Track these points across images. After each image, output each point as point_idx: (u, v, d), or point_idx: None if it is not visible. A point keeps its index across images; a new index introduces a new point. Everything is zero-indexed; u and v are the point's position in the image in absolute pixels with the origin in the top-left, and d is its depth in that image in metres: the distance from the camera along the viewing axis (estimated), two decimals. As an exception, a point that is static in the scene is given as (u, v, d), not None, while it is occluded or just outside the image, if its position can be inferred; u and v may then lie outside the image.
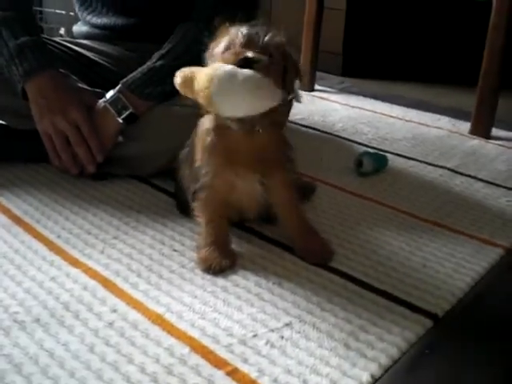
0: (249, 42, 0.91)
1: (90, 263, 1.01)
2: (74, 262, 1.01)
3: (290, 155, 1.05)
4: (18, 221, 1.14)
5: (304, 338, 0.83)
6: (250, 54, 0.88)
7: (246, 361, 0.78)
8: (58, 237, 1.09)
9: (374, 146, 1.70)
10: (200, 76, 0.89)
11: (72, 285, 0.94)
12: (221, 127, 0.98)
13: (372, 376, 0.77)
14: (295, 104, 1.00)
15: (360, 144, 1.71)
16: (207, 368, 0.77)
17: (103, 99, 1.29)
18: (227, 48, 0.92)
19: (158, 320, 0.86)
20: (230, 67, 0.88)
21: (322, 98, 2.24)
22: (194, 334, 0.83)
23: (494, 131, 1.85)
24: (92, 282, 0.95)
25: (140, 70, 1.30)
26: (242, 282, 0.97)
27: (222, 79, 0.87)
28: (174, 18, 1.36)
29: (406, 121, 1.98)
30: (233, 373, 0.76)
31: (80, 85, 1.34)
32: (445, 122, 2.00)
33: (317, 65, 2.37)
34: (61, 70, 1.32)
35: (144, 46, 1.45)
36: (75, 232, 1.11)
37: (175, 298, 0.92)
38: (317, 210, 1.25)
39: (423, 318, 0.90)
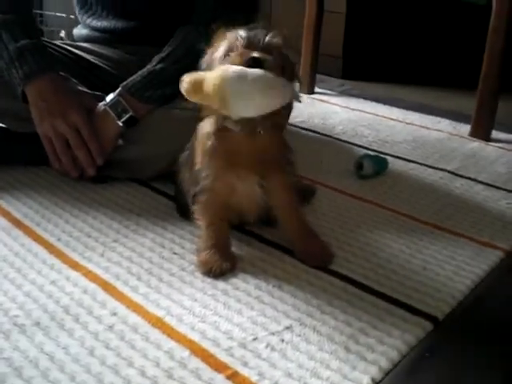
0: (249, 44, 0.91)
1: (90, 266, 1.01)
2: (74, 265, 1.01)
3: (290, 158, 1.05)
4: (18, 224, 1.14)
5: (304, 341, 0.83)
6: (256, 54, 0.89)
7: (246, 364, 0.78)
8: (58, 240, 1.09)
9: (375, 148, 1.70)
10: (210, 79, 0.88)
11: (72, 288, 0.94)
12: (221, 130, 0.98)
13: (372, 379, 0.77)
14: (295, 106, 1.01)
15: (360, 147, 1.71)
16: (207, 371, 0.77)
17: (103, 102, 1.29)
18: (227, 51, 0.92)
19: (158, 323, 0.86)
20: (239, 68, 0.88)
21: (322, 100, 2.24)
22: (194, 337, 0.83)
23: (494, 134, 1.85)
24: (92, 286, 0.95)
25: (140, 73, 1.30)
26: (242, 285, 0.97)
27: (235, 80, 0.87)
28: (173, 21, 1.36)
29: (407, 123, 1.98)
30: (233, 376, 0.76)
31: (80, 88, 1.35)
32: (445, 124, 2.00)
33: (317, 67, 2.37)
34: (61, 73, 1.32)
35: (144, 49, 1.45)
36: (75, 235, 1.11)
37: (175, 301, 0.92)
38: (317, 212, 1.25)
39: (423, 321, 0.89)
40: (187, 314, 0.88)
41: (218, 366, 0.78)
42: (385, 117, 2.04)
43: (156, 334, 0.84)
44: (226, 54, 0.92)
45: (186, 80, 0.91)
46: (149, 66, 1.31)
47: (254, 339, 0.83)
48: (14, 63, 1.27)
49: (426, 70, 2.75)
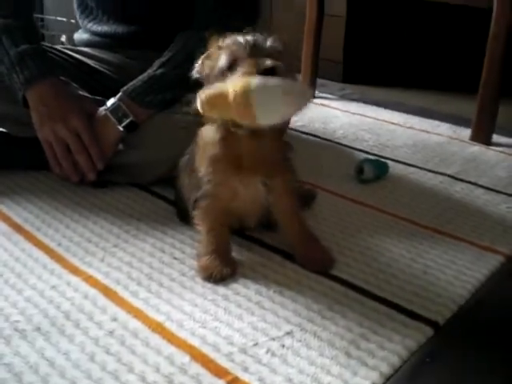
0: (253, 51, 0.91)
1: (91, 271, 1.01)
2: (75, 271, 1.01)
3: (289, 155, 1.04)
4: (18, 229, 1.14)
5: (305, 347, 0.83)
6: (269, 62, 0.89)
7: (246, 369, 0.78)
8: (59, 245, 1.09)
9: (375, 152, 1.70)
10: (231, 92, 0.88)
11: (73, 293, 0.94)
12: (226, 136, 0.97)
13: (373, 385, 0.77)
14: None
15: (361, 151, 1.71)
16: (208, 377, 0.77)
17: (104, 107, 1.29)
18: (232, 60, 0.91)
19: (159, 328, 0.86)
20: (259, 78, 0.87)
21: (322, 104, 2.24)
22: (195, 342, 0.83)
23: (495, 138, 1.85)
24: (92, 291, 0.95)
25: (140, 77, 1.30)
26: (243, 291, 0.97)
27: (259, 90, 0.86)
28: (174, 26, 1.37)
29: (407, 127, 1.98)
30: (233, 382, 0.76)
31: (81, 92, 1.35)
32: (445, 128, 2.00)
33: (317, 72, 2.37)
34: (61, 78, 1.32)
35: (145, 54, 1.45)
36: (76, 240, 1.11)
37: (175, 307, 0.91)
38: (317, 217, 1.25)
39: (424, 326, 0.89)
40: (187, 320, 0.88)
41: (219, 372, 0.78)
42: (385, 121, 2.04)
43: (156, 340, 0.84)
44: (231, 64, 0.92)
45: (203, 96, 0.90)
46: (149, 71, 1.31)
47: (255, 344, 0.83)
48: (14, 68, 1.27)
49: (427, 74, 2.75)
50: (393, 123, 2.02)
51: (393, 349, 0.83)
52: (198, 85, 0.99)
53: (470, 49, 2.38)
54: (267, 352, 0.82)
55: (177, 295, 0.95)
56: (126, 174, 1.33)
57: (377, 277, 1.03)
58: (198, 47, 0.98)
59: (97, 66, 1.49)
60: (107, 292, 0.95)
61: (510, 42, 1.71)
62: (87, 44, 1.58)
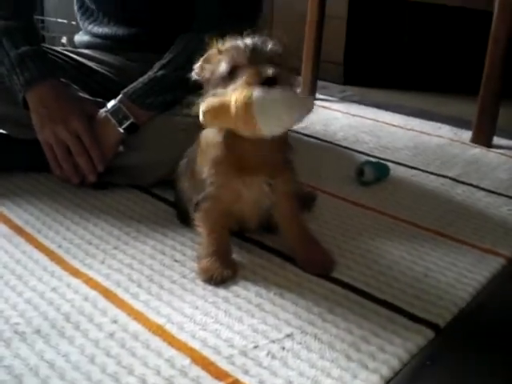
0: (254, 57, 0.90)
1: (91, 273, 1.00)
2: (75, 273, 1.01)
3: (290, 157, 1.04)
4: (19, 231, 1.14)
5: (305, 349, 0.83)
6: (270, 72, 0.88)
7: (246, 372, 0.78)
8: (59, 247, 1.09)
9: (376, 154, 1.70)
10: (233, 104, 0.88)
11: (73, 295, 0.94)
12: (228, 138, 0.97)
13: (374, 387, 0.77)
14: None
15: (361, 153, 1.71)
16: (208, 380, 0.76)
17: (104, 109, 1.29)
18: (232, 66, 0.91)
19: (159, 331, 0.86)
20: (260, 89, 0.87)
21: (323, 106, 2.24)
22: (195, 345, 0.83)
23: (496, 140, 1.84)
24: (93, 293, 0.95)
25: (141, 79, 1.30)
26: (243, 293, 0.97)
27: (261, 103, 0.87)
28: (175, 28, 1.36)
29: (408, 130, 1.98)
30: (234, 384, 0.76)
31: (81, 94, 1.35)
32: (446, 130, 2.00)
33: (318, 74, 2.37)
34: (62, 80, 1.32)
35: (145, 56, 1.45)
36: (76, 242, 1.11)
37: (176, 309, 0.91)
38: (318, 219, 1.25)
39: (425, 329, 0.89)
40: (188, 322, 0.88)
41: (219, 374, 0.77)
42: (386, 123, 2.04)
43: (157, 342, 0.83)
44: (232, 70, 0.91)
45: (204, 108, 0.90)
46: (150, 73, 1.31)
47: (255, 347, 0.83)
48: (15, 70, 1.27)
49: (427, 76, 2.75)
50: (393, 125, 2.02)
51: (393, 351, 0.83)
52: (198, 87, 0.99)
53: (471, 50, 2.39)
54: (267, 354, 0.82)
55: (177, 297, 0.95)
56: (126, 176, 1.32)
57: (378, 279, 1.03)
58: (199, 49, 0.98)
59: (97, 68, 1.49)
60: (107, 294, 0.95)
61: (510, 44, 1.71)
62: (88, 46, 1.58)
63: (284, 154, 1.03)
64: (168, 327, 0.87)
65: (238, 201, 1.02)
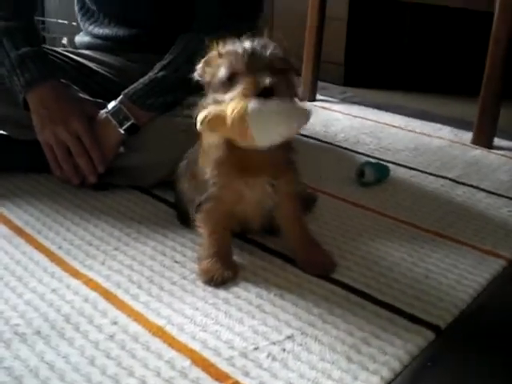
0: (252, 63, 0.90)
1: (91, 274, 1.00)
2: (75, 274, 1.01)
3: (293, 157, 1.04)
4: (19, 232, 1.14)
5: (306, 351, 0.83)
6: (267, 82, 0.88)
7: (247, 374, 0.78)
8: (59, 248, 1.09)
9: (376, 156, 1.69)
10: (229, 116, 0.88)
11: (73, 296, 0.94)
12: (230, 140, 0.97)
13: (374, 389, 0.76)
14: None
15: (362, 154, 1.71)
16: (208, 381, 0.76)
17: (105, 110, 1.29)
18: (231, 73, 0.91)
19: (159, 332, 0.86)
20: (256, 102, 0.87)
21: (323, 107, 2.24)
22: (195, 346, 0.83)
23: (496, 141, 1.84)
24: (93, 294, 0.95)
25: (141, 80, 1.30)
26: (244, 294, 0.96)
27: (256, 116, 0.87)
28: (175, 28, 1.36)
29: (408, 131, 1.98)
30: (234, 386, 0.76)
31: (81, 95, 1.35)
32: (447, 131, 1.99)
33: (319, 75, 2.37)
34: (62, 81, 1.32)
35: (146, 57, 1.45)
36: (76, 243, 1.11)
37: (176, 310, 0.91)
38: (318, 221, 1.25)
39: (425, 330, 0.89)
40: (188, 323, 0.88)
41: (219, 376, 0.77)
42: (386, 124, 2.04)
43: (157, 344, 0.83)
44: (230, 76, 0.91)
45: (202, 117, 0.90)
46: (150, 74, 1.31)
47: (255, 349, 0.83)
48: (15, 70, 1.27)
49: (428, 77, 2.74)
50: (394, 126, 2.02)
51: (394, 353, 0.83)
52: (199, 88, 0.99)
53: (471, 51, 2.38)
54: (268, 356, 0.82)
55: (178, 299, 0.94)
56: (127, 177, 1.32)
57: (378, 281, 1.03)
58: (199, 50, 0.98)
59: (98, 69, 1.49)
60: (108, 295, 0.95)
61: (511, 45, 1.70)
62: (88, 47, 1.58)
63: (287, 154, 1.02)
64: (168, 329, 0.87)
65: (241, 201, 1.02)
